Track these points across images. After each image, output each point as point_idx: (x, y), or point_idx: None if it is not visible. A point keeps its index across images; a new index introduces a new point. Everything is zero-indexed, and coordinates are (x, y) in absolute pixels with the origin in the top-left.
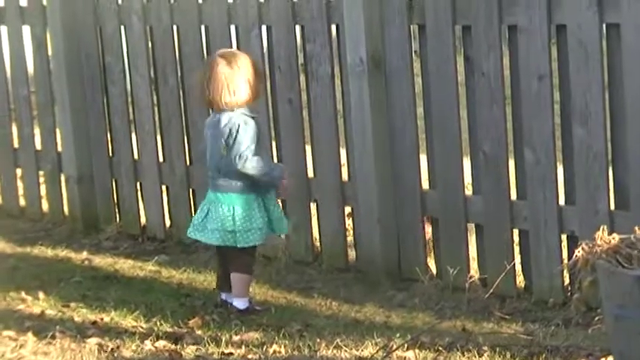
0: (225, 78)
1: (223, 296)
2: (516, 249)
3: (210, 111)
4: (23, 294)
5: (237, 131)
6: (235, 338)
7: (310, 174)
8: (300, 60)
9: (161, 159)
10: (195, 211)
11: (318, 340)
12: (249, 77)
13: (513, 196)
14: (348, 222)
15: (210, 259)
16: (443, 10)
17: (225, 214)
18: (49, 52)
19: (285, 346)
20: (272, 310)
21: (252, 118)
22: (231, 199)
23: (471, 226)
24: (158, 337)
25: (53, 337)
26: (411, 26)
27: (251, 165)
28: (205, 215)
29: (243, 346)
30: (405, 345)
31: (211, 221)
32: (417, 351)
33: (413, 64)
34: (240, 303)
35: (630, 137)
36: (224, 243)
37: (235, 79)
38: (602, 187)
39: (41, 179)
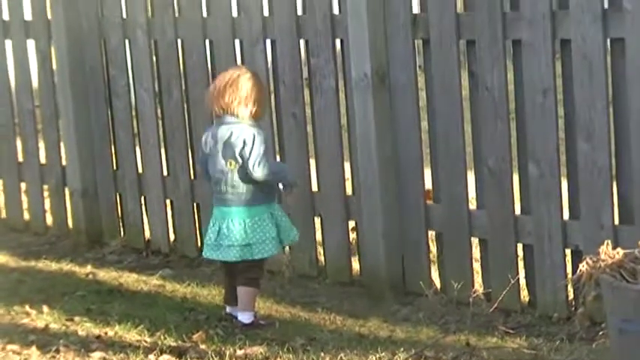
0: (245, 88)
1: (228, 309)
2: (520, 263)
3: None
4: (27, 308)
5: (254, 140)
6: (239, 352)
7: (314, 188)
8: (305, 74)
9: (165, 173)
10: (200, 225)
11: (322, 354)
12: (262, 95)
13: (517, 210)
14: (352, 236)
15: (214, 273)
16: (447, 24)
17: (238, 228)
18: (54, 66)
19: None
20: (276, 325)
21: (260, 131)
22: (241, 212)
23: (475, 241)
24: (162, 352)
25: (57, 351)
26: (416, 41)
27: (268, 170)
28: (217, 233)
29: None
30: (409, 359)
31: (225, 238)
32: None
33: (417, 78)
34: (245, 317)
35: (634, 152)
36: (242, 258)
37: (253, 93)
38: (607, 202)
39: (45, 193)
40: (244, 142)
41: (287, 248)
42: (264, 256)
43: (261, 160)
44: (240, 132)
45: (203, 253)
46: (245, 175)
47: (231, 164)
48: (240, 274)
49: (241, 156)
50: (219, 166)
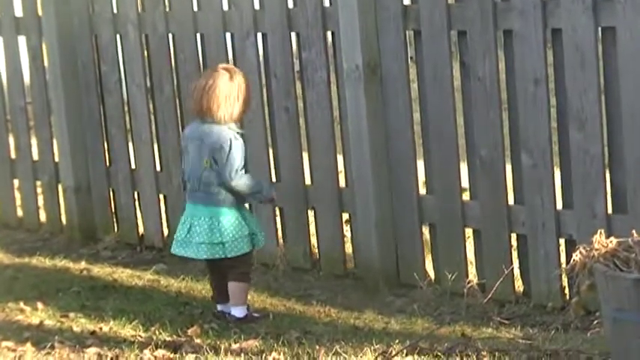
0: (224, 91)
1: (219, 307)
2: (514, 253)
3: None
4: (22, 304)
5: (230, 147)
6: (234, 346)
7: (307, 181)
8: (296, 67)
9: (158, 168)
10: None
11: (317, 347)
12: (243, 96)
13: (511, 200)
14: (346, 228)
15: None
16: (438, 15)
17: (211, 226)
18: (45, 63)
19: (284, 354)
20: (270, 317)
21: (240, 134)
22: (214, 211)
23: (469, 231)
24: (157, 346)
25: (52, 347)
26: (407, 32)
27: (243, 182)
28: (188, 230)
29: (243, 354)
30: (404, 351)
31: (196, 235)
32: (416, 357)
33: (409, 69)
34: (238, 311)
35: (627, 140)
36: (212, 256)
37: (233, 95)
38: (600, 191)
39: (39, 189)
40: (221, 147)
41: (281, 241)
42: (238, 254)
43: (237, 169)
44: (219, 135)
45: (171, 249)
46: (218, 177)
47: (206, 162)
48: (228, 271)
49: (215, 159)
50: (193, 163)
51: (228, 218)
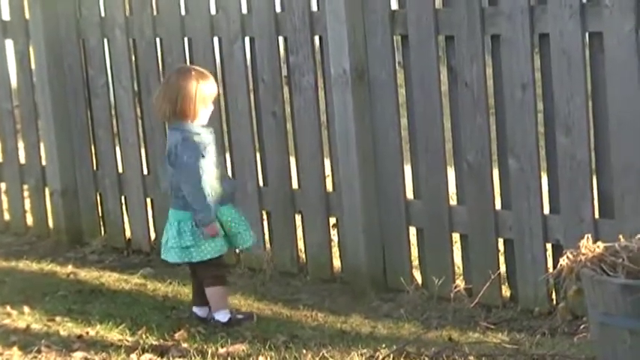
0: (171, 93)
1: (194, 309)
2: (501, 258)
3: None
4: (8, 308)
5: (177, 147)
6: (221, 350)
7: (295, 185)
8: (284, 72)
9: (145, 172)
10: None
11: (304, 351)
12: (192, 95)
13: (498, 205)
14: (333, 233)
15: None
16: (426, 20)
17: (179, 230)
18: (32, 66)
19: (271, 358)
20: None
21: (197, 134)
22: (179, 215)
23: (456, 236)
24: (144, 351)
25: (39, 351)
26: (394, 37)
27: (188, 186)
28: (167, 235)
29: (229, 358)
30: (391, 355)
31: (169, 240)
32: None
33: (396, 74)
34: (221, 316)
35: (614, 146)
36: (181, 260)
37: (178, 96)
38: (587, 196)
39: (25, 193)
40: (171, 149)
41: (268, 245)
42: (204, 259)
43: (185, 170)
44: (173, 137)
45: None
46: (178, 181)
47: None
48: (203, 276)
49: (171, 162)
50: (167, 169)
51: (193, 223)
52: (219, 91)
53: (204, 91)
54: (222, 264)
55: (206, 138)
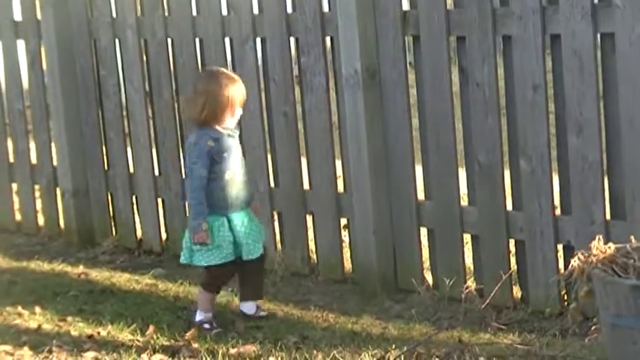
0: (193, 95)
1: (240, 307)
2: (512, 259)
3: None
4: (20, 308)
5: (189, 148)
6: (232, 351)
7: (306, 186)
8: (295, 72)
9: (157, 172)
10: None
11: (315, 352)
12: (220, 99)
13: (509, 206)
14: (344, 234)
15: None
16: (437, 21)
17: (186, 233)
18: (44, 67)
19: (281, 359)
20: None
21: (214, 139)
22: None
23: (467, 237)
24: (155, 351)
25: (50, 351)
26: (406, 37)
27: (189, 193)
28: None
29: (240, 359)
30: (402, 356)
31: (186, 241)
32: None
33: (407, 75)
34: (197, 315)
35: (625, 146)
36: (187, 261)
37: (205, 99)
38: (598, 197)
39: (37, 193)
40: (187, 149)
41: (279, 246)
42: (203, 264)
43: (188, 174)
44: (187, 140)
45: None
46: None
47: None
48: (204, 275)
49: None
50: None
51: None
52: None
53: (232, 96)
54: (224, 273)
55: (226, 143)
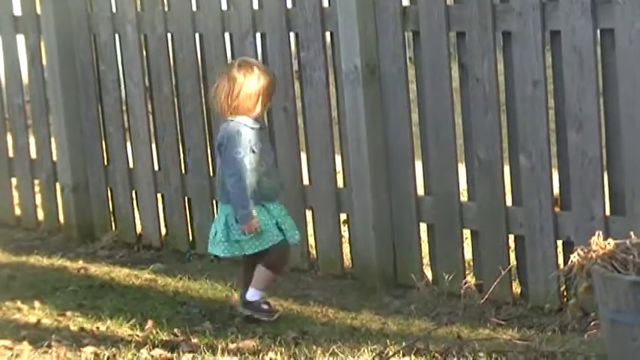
0: (223, 88)
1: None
2: (512, 255)
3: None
4: (19, 303)
5: (227, 141)
6: (231, 346)
7: (305, 181)
8: (295, 67)
9: (156, 167)
10: (191, 219)
11: (314, 347)
12: (255, 90)
13: (509, 202)
14: (344, 229)
15: (205, 267)
16: (437, 16)
17: (226, 224)
18: (44, 61)
19: (281, 354)
20: (274, 316)
21: (251, 128)
22: (227, 208)
23: (467, 232)
24: (154, 346)
25: (49, 346)
26: (406, 33)
27: (232, 182)
28: (216, 228)
29: (240, 354)
30: (401, 351)
31: (218, 233)
32: (413, 357)
33: (407, 70)
34: (251, 293)
35: (625, 142)
36: (231, 253)
37: (229, 90)
38: (598, 193)
39: (36, 188)
40: (221, 141)
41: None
42: (255, 251)
43: (230, 164)
44: (223, 129)
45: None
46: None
47: (219, 160)
48: (265, 257)
49: (220, 154)
50: (218, 162)
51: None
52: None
53: (266, 87)
54: (283, 252)
55: (260, 133)
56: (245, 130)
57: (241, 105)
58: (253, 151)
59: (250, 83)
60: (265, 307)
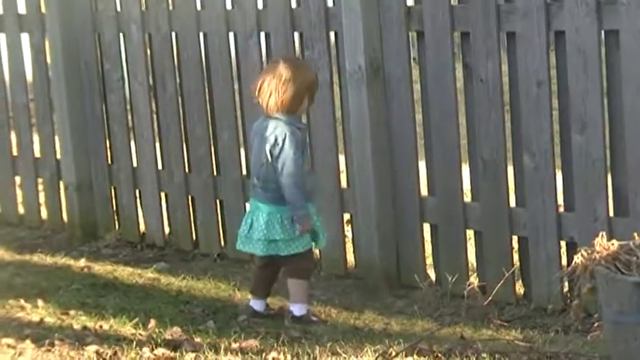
0: (271, 84)
1: (252, 302)
2: (515, 256)
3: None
4: (22, 302)
5: (284, 141)
6: (234, 345)
7: None
8: None
9: (160, 166)
10: (195, 218)
11: (317, 347)
12: (304, 87)
13: (512, 202)
14: (347, 229)
15: (209, 266)
16: (441, 16)
17: (267, 223)
18: (48, 60)
19: (284, 353)
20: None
21: (299, 128)
22: (270, 209)
23: (470, 233)
24: (157, 345)
25: (52, 344)
26: (410, 33)
27: (290, 182)
28: (250, 226)
29: (242, 354)
30: (404, 352)
31: (255, 232)
32: (416, 358)
33: (411, 70)
34: (297, 309)
35: (629, 143)
36: (267, 252)
37: (289, 86)
38: (601, 194)
39: (40, 187)
40: (275, 140)
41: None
42: (292, 253)
43: (289, 164)
44: (275, 128)
45: (236, 246)
46: (274, 173)
47: (264, 158)
48: (288, 266)
49: (271, 153)
50: (256, 159)
51: (282, 217)
52: (233, 87)
53: (313, 84)
54: (311, 258)
55: (305, 133)
56: (296, 130)
57: (289, 102)
58: (302, 152)
59: (298, 80)
60: (314, 318)
